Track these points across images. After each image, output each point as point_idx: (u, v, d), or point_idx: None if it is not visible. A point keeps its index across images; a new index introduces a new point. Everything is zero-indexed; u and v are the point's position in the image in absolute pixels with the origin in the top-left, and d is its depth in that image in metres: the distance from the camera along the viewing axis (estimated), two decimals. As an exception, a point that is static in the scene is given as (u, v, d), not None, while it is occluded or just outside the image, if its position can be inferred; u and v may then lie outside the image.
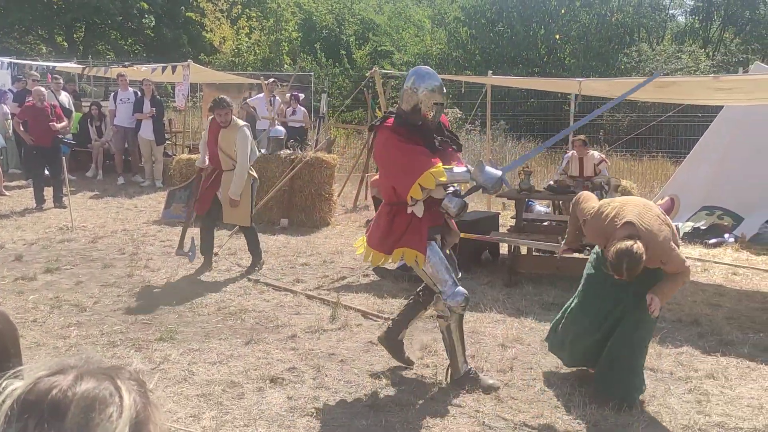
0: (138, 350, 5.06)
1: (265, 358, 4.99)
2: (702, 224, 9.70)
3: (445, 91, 4.47)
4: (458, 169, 4.36)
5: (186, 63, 12.99)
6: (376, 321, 5.89)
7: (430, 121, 4.43)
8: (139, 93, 13.32)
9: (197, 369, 4.74)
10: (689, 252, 8.96)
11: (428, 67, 4.65)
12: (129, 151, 13.61)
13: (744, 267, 8.12)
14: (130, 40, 35.56)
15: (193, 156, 10.78)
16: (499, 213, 9.31)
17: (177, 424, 3.91)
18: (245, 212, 7.17)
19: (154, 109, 12.90)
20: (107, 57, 31.18)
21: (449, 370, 4.62)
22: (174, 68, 13.42)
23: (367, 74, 8.00)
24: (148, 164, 13.26)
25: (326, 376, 4.69)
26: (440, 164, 4.24)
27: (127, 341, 5.23)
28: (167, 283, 6.89)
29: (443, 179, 4.21)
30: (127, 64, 13.68)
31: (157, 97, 13.53)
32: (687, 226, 9.78)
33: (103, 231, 9.18)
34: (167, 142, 14.21)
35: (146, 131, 12.89)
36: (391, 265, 7.17)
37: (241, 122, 7.21)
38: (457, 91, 17.73)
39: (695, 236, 9.53)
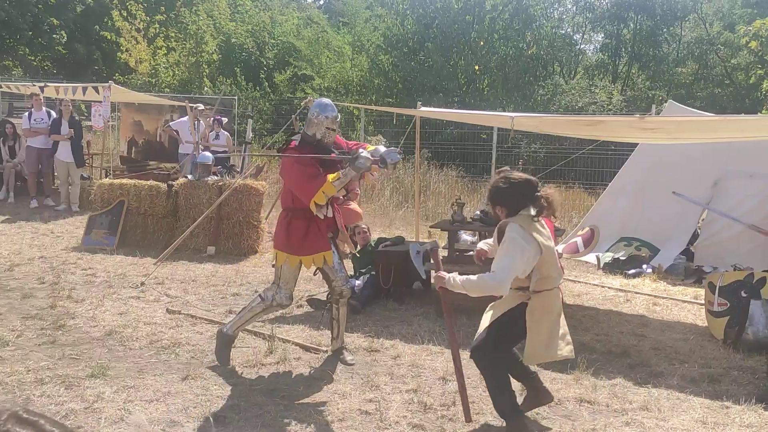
0: (68, 388, 4.81)
1: (204, 394, 4.84)
2: (621, 255, 10.06)
3: (338, 119, 5.55)
4: (343, 172, 5.28)
5: (107, 84, 12.61)
6: (315, 354, 5.83)
7: (325, 141, 5.47)
8: (53, 114, 12.85)
9: (134, 408, 4.55)
10: (610, 282, 9.30)
11: (328, 99, 5.66)
12: (42, 173, 13.09)
13: (663, 298, 8.46)
14: (39, 56, 34.33)
15: (116, 181, 10.45)
16: (431, 243, 9.38)
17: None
18: None
19: (72, 130, 12.47)
20: (13, 73, 29.99)
21: (334, 343, 5.77)
22: (94, 89, 13.02)
23: (301, 103, 8.01)
24: (64, 187, 12.77)
25: (269, 414, 4.59)
26: (329, 180, 5.20)
27: (55, 378, 4.97)
28: (93, 314, 6.60)
29: (332, 192, 5.23)
30: (41, 85, 13.13)
31: (75, 118, 13.08)
32: (607, 257, 10.13)
33: (20, 258, 8.76)
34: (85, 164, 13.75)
35: (64, 153, 12.44)
36: (323, 295, 7.14)
37: None
38: (378, 120, 17.93)
39: (615, 267, 9.86)
